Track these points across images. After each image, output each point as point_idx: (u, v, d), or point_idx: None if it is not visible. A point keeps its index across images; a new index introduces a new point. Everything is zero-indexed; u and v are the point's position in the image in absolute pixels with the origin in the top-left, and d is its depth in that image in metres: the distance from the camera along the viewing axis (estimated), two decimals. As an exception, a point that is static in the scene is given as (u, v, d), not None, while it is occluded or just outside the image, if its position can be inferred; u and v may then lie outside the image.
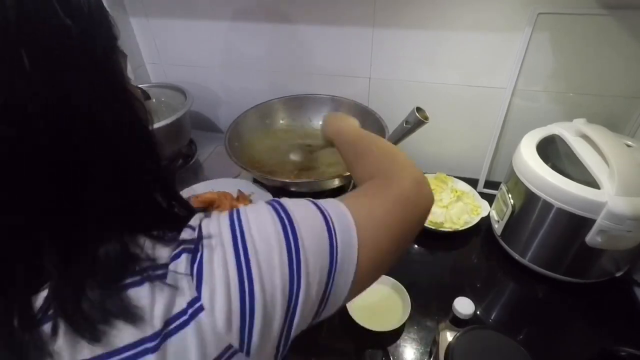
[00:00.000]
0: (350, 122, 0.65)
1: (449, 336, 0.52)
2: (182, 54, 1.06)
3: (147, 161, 0.32)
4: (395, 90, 0.95)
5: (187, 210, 0.35)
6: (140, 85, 0.93)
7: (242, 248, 0.30)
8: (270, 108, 0.98)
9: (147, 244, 0.30)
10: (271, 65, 1.01)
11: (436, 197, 0.92)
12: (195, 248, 0.30)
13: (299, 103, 0.98)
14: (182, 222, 0.32)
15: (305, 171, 0.87)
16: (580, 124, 0.73)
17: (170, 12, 0.99)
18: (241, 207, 0.35)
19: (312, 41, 0.94)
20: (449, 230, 0.85)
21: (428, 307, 0.70)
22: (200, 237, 0.31)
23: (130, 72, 1.04)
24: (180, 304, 0.28)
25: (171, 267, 0.29)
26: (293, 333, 0.32)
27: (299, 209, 0.34)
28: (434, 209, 0.89)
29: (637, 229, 0.62)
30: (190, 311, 0.28)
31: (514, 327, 0.70)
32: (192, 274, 0.29)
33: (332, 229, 0.33)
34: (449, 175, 0.97)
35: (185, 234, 0.31)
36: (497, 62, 0.84)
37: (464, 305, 0.53)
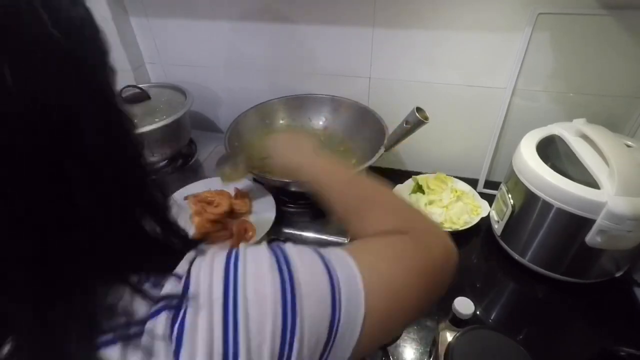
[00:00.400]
0: (310, 152, 0.54)
1: (449, 336, 0.52)
2: (182, 54, 1.06)
3: (139, 186, 0.30)
4: (395, 90, 0.95)
5: (182, 241, 0.31)
6: (140, 85, 0.94)
7: (233, 311, 0.27)
8: (270, 108, 0.98)
9: (126, 294, 0.27)
10: (271, 65, 1.01)
11: (436, 197, 0.92)
12: (178, 305, 0.27)
13: (299, 103, 0.98)
14: (172, 258, 0.29)
15: None
16: (580, 124, 0.73)
17: (170, 12, 0.99)
18: (241, 250, 0.31)
19: (312, 41, 0.94)
20: (449, 230, 0.84)
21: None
22: (186, 291, 0.27)
23: (130, 72, 1.05)
24: None
25: (148, 325, 0.26)
26: None
27: (305, 268, 0.30)
28: (434, 208, 0.89)
29: (637, 229, 0.62)
30: None
31: (513, 327, 0.70)
32: (171, 337, 0.25)
33: (337, 297, 0.30)
34: (448, 175, 0.96)
35: (169, 287, 0.28)
36: (497, 62, 0.84)
37: (463, 305, 0.53)
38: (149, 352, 0.25)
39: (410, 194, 0.94)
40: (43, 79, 0.23)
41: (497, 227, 0.82)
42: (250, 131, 0.93)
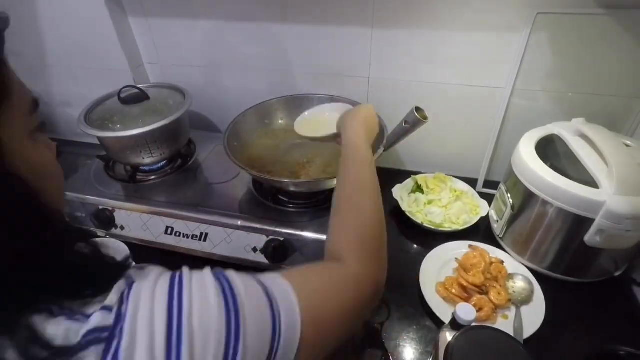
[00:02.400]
0: (371, 129, 0.60)
1: (449, 336, 0.52)
2: (181, 54, 1.06)
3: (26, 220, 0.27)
4: (394, 90, 0.95)
5: (108, 270, 0.30)
6: (139, 85, 0.93)
7: (177, 342, 0.26)
8: (269, 108, 0.98)
9: (48, 326, 0.25)
10: (270, 64, 1.00)
11: (435, 197, 0.92)
12: (110, 336, 0.25)
13: (298, 103, 0.98)
14: (97, 287, 0.27)
15: (303, 167, 0.87)
16: (579, 123, 0.73)
17: (169, 12, 0.98)
18: (185, 276, 0.30)
19: (311, 41, 0.93)
20: (448, 230, 0.85)
21: (428, 306, 0.70)
22: (118, 322, 0.26)
23: (129, 73, 1.04)
24: None
25: None
26: None
27: (249, 299, 0.31)
28: (433, 208, 0.89)
29: (636, 228, 0.62)
30: None
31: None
32: None
33: (278, 327, 0.31)
34: (448, 175, 0.97)
35: (97, 319, 0.25)
36: (496, 61, 0.84)
37: (465, 312, 0.52)
38: None
39: (409, 194, 0.95)
40: None
41: (497, 227, 0.82)
42: (249, 131, 0.93)
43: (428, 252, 0.79)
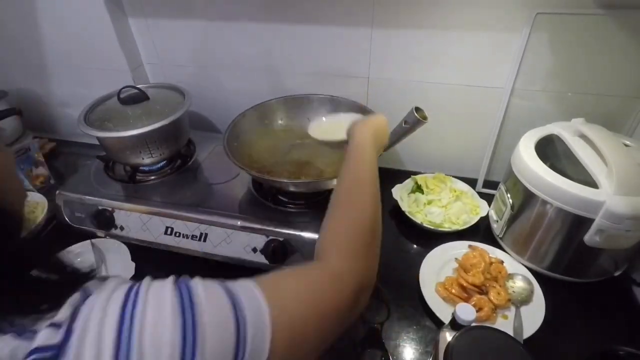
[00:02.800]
0: (380, 138, 0.59)
1: (449, 336, 0.52)
2: (180, 54, 1.06)
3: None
4: (394, 90, 0.95)
5: (66, 280, 0.29)
6: (138, 86, 0.93)
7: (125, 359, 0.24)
8: (269, 108, 0.98)
9: None
10: (270, 65, 1.00)
11: (435, 197, 0.92)
12: (54, 355, 0.24)
13: (297, 103, 0.98)
14: (49, 300, 0.26)
15: (303, 167, 0.87)
16: (578, 123, 0.73)
17: (169, 13, 0.98)
18: (142, 289, 0.29)
19: (310, 41, 0.93)
20: (448, 230, 0.85)
21: (427, 306, 0.70)
22: (66, 341, 0.24)
23: (128, 73, 1.05)
24: None
25: None
26: None
27: (211, 308, 0.29)
28: (433, 208, 0.89)
29: (636, 228, 0.62)
30: None
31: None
32: None
33: (242, 335, 0.29)
34: (447, 175, 0.97)
35: (44, 337, 0.24)
36: (496, 61, 0.84)
37: (465, 312, 0.52)
38: None
39: (409, 194, 0.95)
40: None
41: (496, 227, 0.82)
42: (248, 131, 0.93)
43: (428, 252, 0.79)
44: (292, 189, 0.82)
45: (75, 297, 0.27)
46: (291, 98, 0.98)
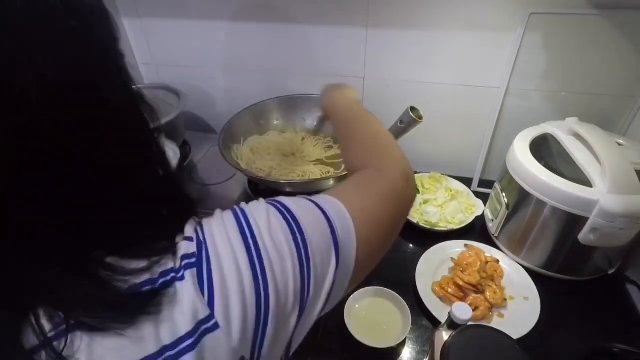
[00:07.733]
0: (348, 94, 0.63)
1: (445, 335, 0.52)
2: (175, 55, 1.05)
3: (155, 165, 0.31)
4: (389, 90, 0.95)
5: (185, 208, 0.33)
6: (133, 86, 0.93)
7: (257, 256, 0.29)
8: (264, 108, 0.97)
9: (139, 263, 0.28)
10: (265, 65, 1.00)
11: (431, 197, 0.92)
12: (198, 260, 0.28)
13: (293, 103, 0.98)
14: (176, 224, 0.31)
15: (288, 157, 0.89)
16: (572, 122, 0.74)
17: (163, 12, 0.98)
18: (243, 207, 0.34)
19: (305, 41, 0.93)
20: (444, 229, 0.85)
21: (424, 306, 0.70)
22: (202, 244, 0.29)
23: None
24: (187, 326, 0.26)
25: (177, 286, 0.27)
26: (302, 336, 0.33)
27: (304, 213, 0.34)
28: (429, 208, 0.90)
29: (629, 227, 0.62)
30: (202, 328, 0.26)
31: (508, 325, 0.70)
32: (202, 291, 0.27)
33: (335, 229, 0.33)
34: (443, 175, 0.97)
35: (184, 249, 0.29)
36: (491, 61, 0.85)
37: (461, 311, 0.53)
38: (180, 303, 0.26)
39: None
40: (65, 67, 0.23)
41: (492, 226, 0.83)
42: (244, 132, 0.93)
43: (424, 251, 0.79)
44: (288, 189, 0.81)
45: (193, 220, 0.32)
46: (286, 98, 0.98)
